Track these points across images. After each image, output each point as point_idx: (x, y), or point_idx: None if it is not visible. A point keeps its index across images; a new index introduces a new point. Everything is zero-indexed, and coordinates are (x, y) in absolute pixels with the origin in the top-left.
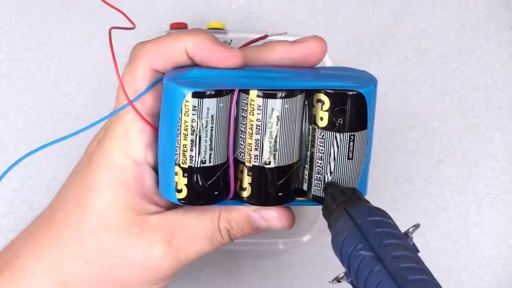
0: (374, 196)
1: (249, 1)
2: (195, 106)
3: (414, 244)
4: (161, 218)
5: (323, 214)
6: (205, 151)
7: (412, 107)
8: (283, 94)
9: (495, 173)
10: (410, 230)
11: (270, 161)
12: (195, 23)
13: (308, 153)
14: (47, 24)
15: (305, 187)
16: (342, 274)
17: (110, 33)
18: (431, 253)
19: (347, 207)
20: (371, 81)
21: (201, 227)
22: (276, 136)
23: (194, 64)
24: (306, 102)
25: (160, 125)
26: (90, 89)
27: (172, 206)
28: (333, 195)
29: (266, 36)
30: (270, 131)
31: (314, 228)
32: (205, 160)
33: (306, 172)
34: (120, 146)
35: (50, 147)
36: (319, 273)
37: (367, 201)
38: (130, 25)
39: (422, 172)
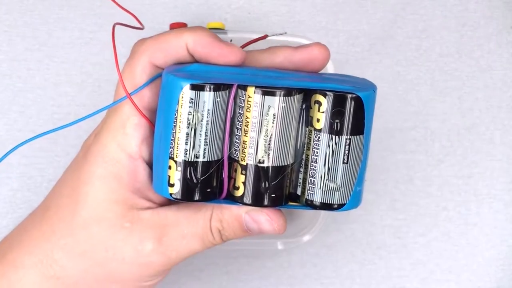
0: (374, 196)
1: (249, 1)
2: (192, 99)
3: None
4: (152, 214)
5: None
6: (200, 146)
7: (412, 107)
8: (281, 92)
9: (495, 173)
10: None
11: (264, 160)
12: (195, 23)
13: (304, 156)
14: (47, 24)
15: (299, 192)
16: None
17: (113, 28)
18: (431, 253)
19: None
20: (370, 86)
21: (193, 226)
22: (271, 135)
23: (194, 61)
24: (304, 106)
25: (157, 118)
26: (90, 89)
27: (165, 204)
28: None
29: (266, 36)
30: (266, 129)
31: (314, 228)
32: (199, 155)
33: (301, 176)
34: (115, 139)
35: (50, 148)
36: (319, 273)
37: None
38: (138, 25)
39: (422, 172)
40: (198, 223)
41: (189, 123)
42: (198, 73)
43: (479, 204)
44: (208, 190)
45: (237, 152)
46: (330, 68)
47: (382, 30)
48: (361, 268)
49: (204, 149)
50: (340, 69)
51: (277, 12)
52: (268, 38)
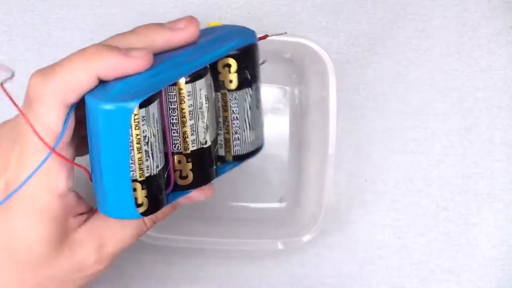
0: (374, 196)
1: (249, 1)
2: (144, 116)
3: None
4: (86, 231)
5: None
6: (157, 156)
7: (412, 107)
8: (203, 72)
9: (495, 173)
10: None
11: (206, 140)
12: None
13: (221, 119)
14: (47, 24)
15: (222, 153)
16: None
17: (2, 86)
18: (431, 253)
19: None
20: (251, 31)
21: (126, 225)
22: (207, 115)
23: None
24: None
25: (92, 149)
26: None
27: (91, 209)
28: None
29: (266, 36)
30: (201, 112)
31: (314, 228)
32: (159, 164)
33: (222, 138)
34: (41, 187)
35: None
36: (319, 273)
37: None
38: (8, 74)
39: (422, 172)
40: (131, 221)
41: (147, 140)
42: (130, 91)
43: (479, 204)
44: (166, 192)
45: (177, 144)
46: (330, 69)
47: (382, 30)
48: (361, 268)
49: (160, 156)
50: (340, 69)
51: (277, 12)
52: (268, 38)
